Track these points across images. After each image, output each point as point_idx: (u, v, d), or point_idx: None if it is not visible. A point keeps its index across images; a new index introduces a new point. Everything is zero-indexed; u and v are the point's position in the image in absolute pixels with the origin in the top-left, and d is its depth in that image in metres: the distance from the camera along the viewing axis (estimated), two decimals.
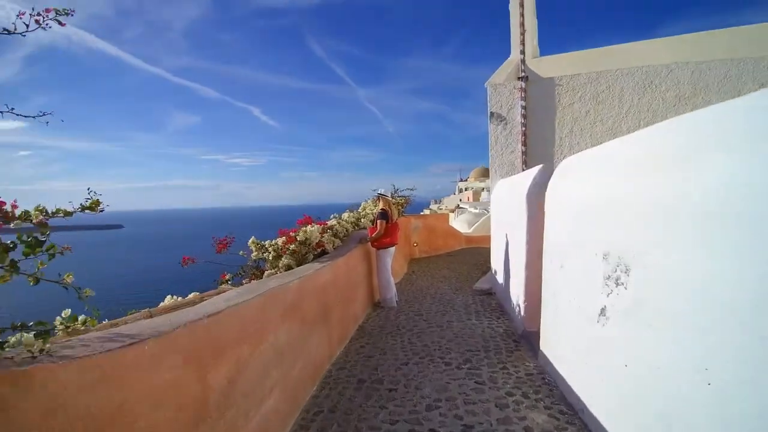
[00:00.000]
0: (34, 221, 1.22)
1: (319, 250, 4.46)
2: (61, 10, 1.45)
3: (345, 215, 6.78)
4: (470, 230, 15.90)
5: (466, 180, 59.82)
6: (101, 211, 1.39)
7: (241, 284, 3.85)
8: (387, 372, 3.31)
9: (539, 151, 6.55)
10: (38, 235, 1.22)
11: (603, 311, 2.16)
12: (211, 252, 4.02)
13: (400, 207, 9.64)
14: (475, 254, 11.18)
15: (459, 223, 17.33)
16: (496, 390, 2.95)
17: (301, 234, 4.10)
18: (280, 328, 2.44)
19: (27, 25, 1.40)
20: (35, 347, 1.13)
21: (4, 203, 1.19)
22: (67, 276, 1.29)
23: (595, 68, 6.57)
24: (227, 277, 4.00)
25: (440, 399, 2.83)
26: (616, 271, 2.00)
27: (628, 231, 1.89)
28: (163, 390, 1.43)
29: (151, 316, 2.68)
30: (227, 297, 2.22)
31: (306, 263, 4.04)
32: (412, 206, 11.34)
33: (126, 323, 2.40)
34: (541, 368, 3.30)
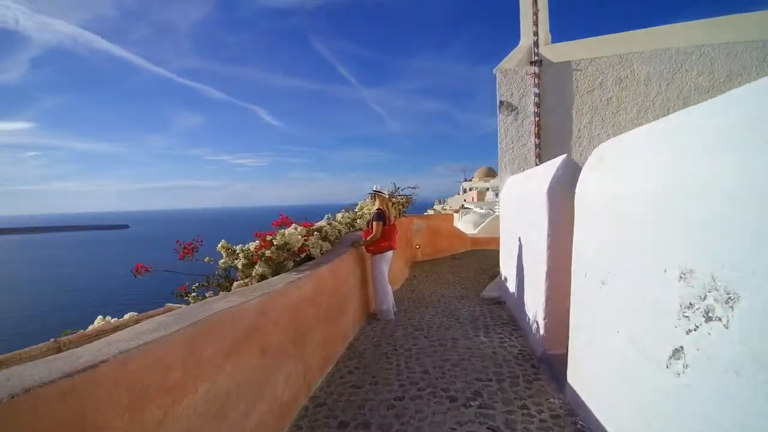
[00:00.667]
0: None
1: (302, 255, 3.83)
2: None
3: (339, 215, 6.15)
4: (476, 231, 15.21)
5: (470, 180, 59.16)
6: None
7: (204, 297, 3.22)
8: (377, 411, 2.65)
9: (555, 143, 5.86)
10: None
11: (678, 353, 1.49)
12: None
13: (401, 207, 8.98)
14: (481, 257, 10.50)
15: (464, 224, 16.65)
16: None
17: (278, 237, 3.46)
18: (223, 368, 1.79)
19: None
20: None
21: None
22: None
23: (617, 51, 5.88)
24: (192, 287, 3.37)
25: None
26: (706, 298, 1.33)
27: (734, 239, 1.22)
28: None
29: (59, 349, 2.05)
30: (143, 329, 1.58)
31: (284, 272, 3.40)
32: (414, 206, 10.66)
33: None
34: (570, 407, 2.63)
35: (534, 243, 3.76)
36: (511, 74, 6.07)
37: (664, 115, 5.61)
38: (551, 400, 2.75)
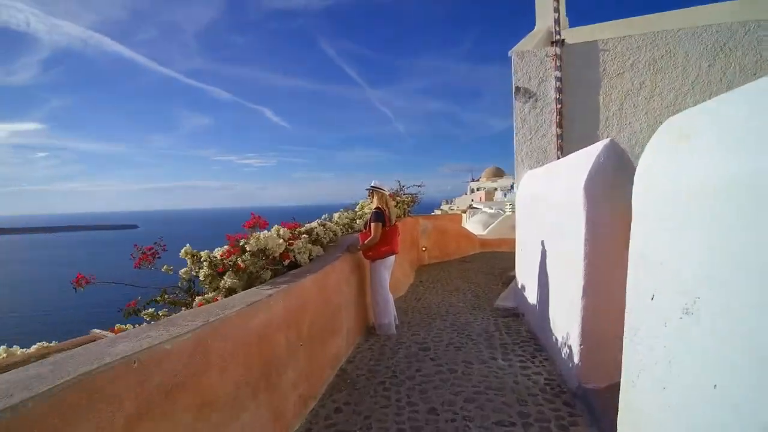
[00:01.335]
0: None
1: (286, 262, 3.20)
2: None
3: (336, 215, 5.52)
4: (485, 232, 14.53)
5: (477, 180, 58.37)
6: None
7: (161, 315, 2.61)
8: None
9: (579, 133, 5.17)
10: None
11: None
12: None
13: (406, 206, 8.33)
14: (491, 260, 9.80)
15: (472, 225, 15.97)
16: None
17: (252, 242, 2.83)
18: None
19: None
20: None
21: None
22: None
23: (650, 28, 5.17)
24: (144, 304, 2.75)
25: None
26: None
27: None
28: None
29: None
30: None
31: (259, 284, 2.78)
32: (420, 206, 10.00)
33: None
34: None
35: (564, 250, 3.09)
36: (529, 57, 5.39)
37: (705, 101, 4.83)
38: None
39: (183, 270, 2.84)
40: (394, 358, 3.54)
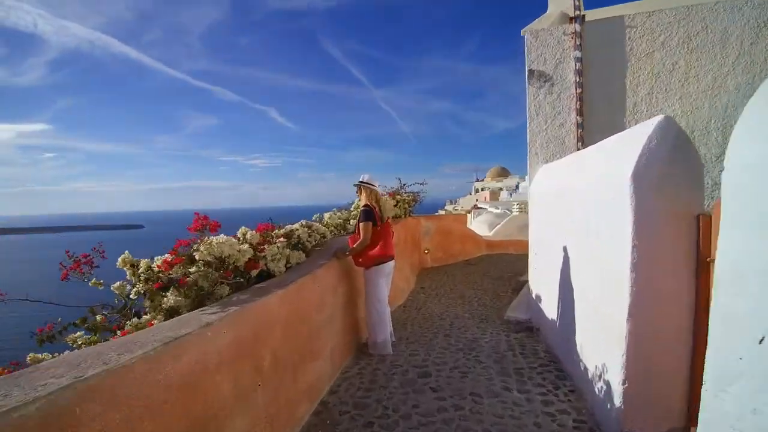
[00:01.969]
0: None
1: (253, 273, 2.60)
2: None
3: (327, 216, 4.92)
4: (491, 233, 13.87)
5: (482, 180, 57.60)
6: None
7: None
8: None
9: (602, 121, 4.53)
10: None
11: None
12: None
13: (407, 205, 7.71)
14: (499, 263, 9.16)
15: (477, 225, 15.30)
16: None
17: (202, 249, 2.23)
18: None
19: None
20: None
21: None
22: None
23: (683, 2, 4.53)
24: (61, 328, 2.16)
25: None
26: None
27: None
28: None
29: None
30: None
31: (212, 302, 2.18)
32: (423, 206, 9.36)
33: None
34: None
35: (600, 256, 2.47)
36: (544, 36, 4.76)
37: (749, 83, 4.10)
38: None
39: (116, 285, 2.24)
40: (387, 388, 2.93)
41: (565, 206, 3.22)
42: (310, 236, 3.88)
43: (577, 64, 4.56)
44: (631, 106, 4.51)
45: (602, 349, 2.43)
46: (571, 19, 4.64)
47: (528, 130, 4.76)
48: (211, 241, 2.23)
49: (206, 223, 2.28)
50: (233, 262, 2.47)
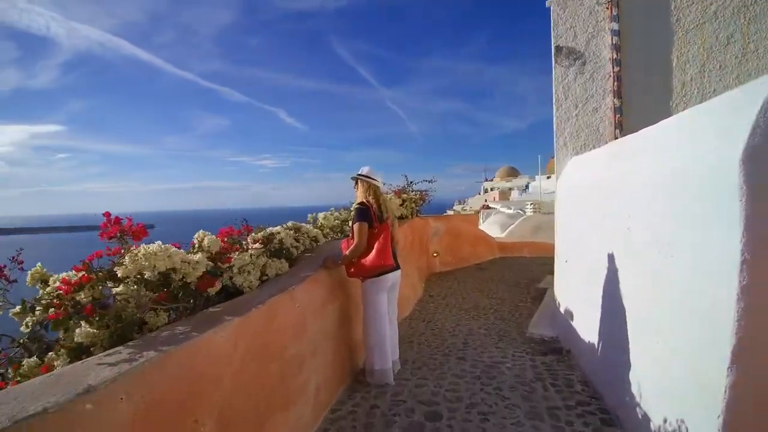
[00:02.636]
0: None
1: (209, 292, 1.99)
2: None
3: (321, 216, 4.31)
4: (503, 235, 13.13)
5: (491, 180, 56.61)
6: None
7: None
8: None
9: (644, 104, 3.85)
10: None
11: None
12: None
13: (413, 205, 7.06)
14: (513, 267, 8.48)
15: (489, 226, 14.57)
16: None
17: (128, 264, 1.61)
18: None
19: None
20: None
21: None
22: None
23: None
24: None
25: None
26: None
27: None
28: None
29: None
30: None
31: (150, 331, 1.58)
32: (431, 205, 8.70)
33: None
34: None
35: (674, 275, 1.81)
36: (574, 6, 4.08)
37: None
38: None
39: (15, 310, 1.64)
40: None
41: (611, 205, 2.56)
42: (297, 240, 3.28)
43: (613, 38, 3.88)
44: (679, 86, 3.81)
45: (678, 399, 1.77)
46: None
47: (554, 117, 4.09)
48: (137, 253, 1.62)
49: (125, 229, 1.66)
50: (181, 279, 1.87)
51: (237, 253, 2.38)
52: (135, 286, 1.64)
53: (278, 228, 2.88)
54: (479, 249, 9.39)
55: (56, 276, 1.67)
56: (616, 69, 3.87)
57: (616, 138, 3.79)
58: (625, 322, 2.33)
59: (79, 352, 1.50)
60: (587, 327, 3.09)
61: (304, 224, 3.46)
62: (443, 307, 5.30)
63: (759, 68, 3.69)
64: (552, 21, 4.14)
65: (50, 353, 1.60)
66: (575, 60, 4.02)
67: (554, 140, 4.08)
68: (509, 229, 12.56)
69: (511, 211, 16.52)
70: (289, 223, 3.40)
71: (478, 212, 20.17)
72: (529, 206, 14.53)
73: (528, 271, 8.01)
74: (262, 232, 2.76)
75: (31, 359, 1.49)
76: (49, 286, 1.65)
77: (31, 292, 1.71)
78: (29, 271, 1.76)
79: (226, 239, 2.32)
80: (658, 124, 2.24)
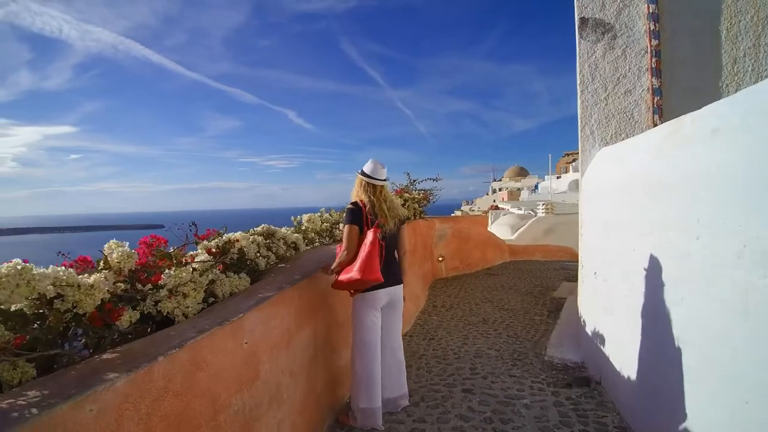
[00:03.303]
0: None
1: (121, 323, 1.44)
2: None
3: (306, 218, 3.74)
4: (514, 237, 12.43)
5: (500, 180, 55.71)
6: None
7: None
8: None
9: (688, 84, 3.21)
10: None
11: None
12: None
13: (417, 205, 6.47)
14: (525, 273, 7.85)
15: (498, 228, 13.89)
16: None
17: None
18: None
19: None
20: None
21: None
22: None
23: None
24: None
25: None
26: None
27: None
28: None
29: None
30: None
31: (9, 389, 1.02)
32: (437, 206, 8.08)
33: None
34: None
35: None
36: None
37: None
38: None
39: None
40: None
41: (665, 206, 1.95)
42: (270, 248, 2.71)
43: (650, 6, 3.26)
44: (730, 62, 3.17)
45: None
46: None
47: (579, 102, 3.47)
48: None
49: None
50: (70, 308, 1.31)
51: (175, 269, 1.82)
52: None
53: (239, 234, 2.32)
54: (488, 252, 8.77)
55: None
56: (654, 43, 3.24)
57: (654, 125, 3.16)
58: (680, 356, 1.73)
59: None
60: (625, 355, 2.48)
61: (282, 228, 2.89)
62: (448, 320, 4.70)
63: None
64: None
65: None
66: (604, 33, 3.39)
67: (578, 129, 3.46)
68: (520, 231, 11.87)
69: (521, 212, 15.83)
70: (261, 227, 2.83)
71: (486, 212, 19.50)
72: (540, 207, 13.82)
73: (541, 277, 7.38)
74: (216, 239, 2.20)
75: None
76: None
77: None
78: None
79: (153, 252, 1.76)
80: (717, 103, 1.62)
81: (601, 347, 2.96)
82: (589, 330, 3.22)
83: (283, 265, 2.70)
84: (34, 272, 1.17)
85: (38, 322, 1.29)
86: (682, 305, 1.79)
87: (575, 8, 3.49)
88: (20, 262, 1.17)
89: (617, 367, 2.64)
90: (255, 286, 2.18)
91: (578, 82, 3.44)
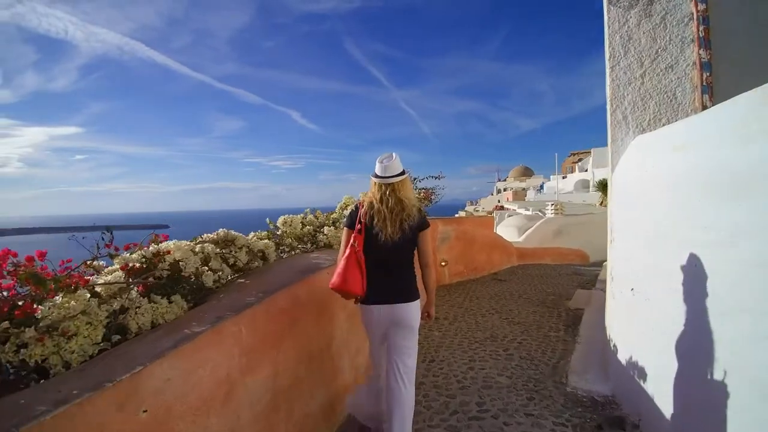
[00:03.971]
0: None
1: None
2: None
3: (281, 221, 3.19)
4: (521, 239, 11.83)
5: (504, 180, 54.98)
6: None
7: None
8: None
9: (744, 57, 2.63)
10: None
11: None
12: None
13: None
14: (535, 278, 7.26)
15: (504, 230, 13.29)
16: None
17: None
18: None
19: None
20: None
21: None
22: None
23: None
24: None
25: None
26: None
27: None
28: None
29: None
30: None
31: None
32: (440, 206, 7.50)
33: None
34: None
35: None
36: None
37: None
38: None
39: None
40: None
41: (746, 209, 1.39)
42: (226, 259, 2.18)
43: None
44: None
45: None
46: None
47: (608, 82, 2.88)
48: None
49: None
50: None
51: (65, 295, 1.29)
52: None
53: (172, 243, 1.77)
54: (495, 256, 8.18)
55: None
56: (701, 7, 2.66)
57: (704, 107, 2.58)
58: (757, 405, 1.16)
59: None
60: (674, 393, 1.92)
61: (239, 234, 2.34)
62: (451, 336, 4.13)
63: None
64: None
65: None
66: None
67: (608, 114, 2.87)
68: (527, 232, 11.28)
69: (529, 212, 15.20)
70: (218, 232, 2.29)
71: (490, 213, 18.85)
72: (549, 207, 13.20)
73: (553, 283, 6.78)
74: (138, 251, 1.65)
75: None
76: None
77: None
78: None
79: (15, 272, 1.21)
80: None
81: (640, 381, 2.39)
82: (622, 357, 2.64)
83: (242, 280, 2.16)
84: None
85: None
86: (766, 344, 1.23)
87: None
88: None
89: (662, 407, 2.08)
90: (192, 314, 1.64)
91: (607, 57, 2.86)
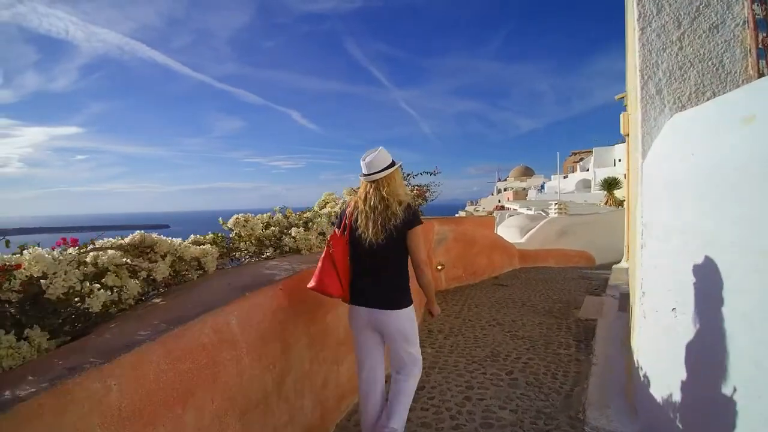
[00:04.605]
0: None
1: None
2: None
3: (233, 221, 2.65)
4: (523, 240, 11.24)
5: (504, 180, 54.45)
6: None
7: None
8: None
9: None
10: None
11: None
12: None
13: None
14: (539, 283, 6.71)
15: (505, 230, 12.72)
16: None
17: None
18: None
19: None
20: None
21: None
22: None
23: None
24: None
25: None
26: None
27: None
28: None
29: None
30: None
31: None
32: (439, 206, 6.93)
33: None
34: None
35: None
36: None
37: None
38: None
39: None
40: None
41: None
42: (135, 272, 1.63)
43: None
44: None
45: None
46: None
47: (636, 47, 2.32)
48: None
49: None
50: None
51: None
52: None
53: (26, 254, 1.23)
54: (496, 258, 7.62)
55: None
56: None
57: (760, 74, 2.03)
58: None
59: None
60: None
61: (158, 236, 1.79)
62: (446, 354, 3.59)
63: None
64: None
65: None
66: None
67: (637, 87, 2.31)
68: (530, 233, 10.73)
69: (531, 212, 14.63)
70: (133, 236, 1.75)
71: (491, 213, 18.30)
72: (552, 206, 12.64)
73: (559, 289, 6.23)
74: None
75: None
76: None
77: None
78: None
79: None
80: None
81: (681, 425, 1.84)
82: (657, 392, 2.09)
83: (158, 300, 1.61)
84: None
85: None
86: None
87: None
88: None
89: None
90: (53, 355, 1.09)
91: (636, 16, 2.30)
